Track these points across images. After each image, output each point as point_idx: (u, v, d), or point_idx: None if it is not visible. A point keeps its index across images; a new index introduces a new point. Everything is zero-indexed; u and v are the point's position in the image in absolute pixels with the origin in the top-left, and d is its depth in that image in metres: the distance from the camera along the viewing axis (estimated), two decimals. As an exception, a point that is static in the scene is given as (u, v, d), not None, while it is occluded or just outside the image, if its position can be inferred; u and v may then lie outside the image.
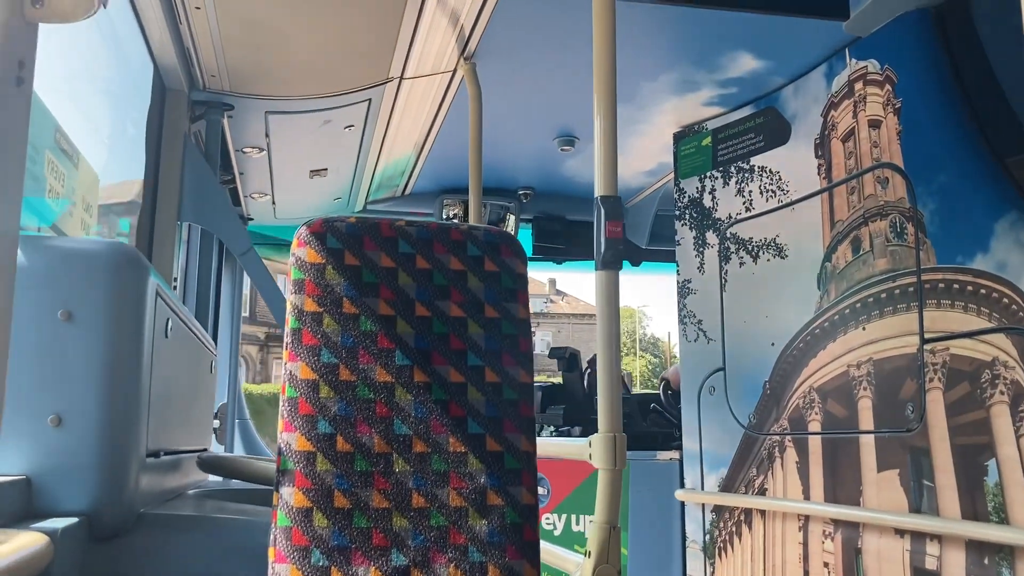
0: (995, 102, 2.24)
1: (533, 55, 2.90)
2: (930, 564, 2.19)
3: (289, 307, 1.30)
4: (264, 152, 3.73)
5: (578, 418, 4.08)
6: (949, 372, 2.19)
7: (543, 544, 1.40)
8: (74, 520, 1.36)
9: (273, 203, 4.48)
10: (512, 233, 4.22)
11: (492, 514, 1.28)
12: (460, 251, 1.40)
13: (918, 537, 2.24)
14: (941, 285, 2.24)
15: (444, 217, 4.38)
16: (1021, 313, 2.04)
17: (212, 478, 2.62)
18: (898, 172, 2.42)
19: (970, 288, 2.16)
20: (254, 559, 1.46)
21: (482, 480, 1.29)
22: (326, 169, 4.04)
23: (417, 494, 1.26)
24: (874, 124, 2.53)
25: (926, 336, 2.27)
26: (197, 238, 3.83)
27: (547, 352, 4.44)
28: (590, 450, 1.68)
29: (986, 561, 2.05)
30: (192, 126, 3.18)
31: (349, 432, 1.26)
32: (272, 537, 1.20)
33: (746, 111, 3.12)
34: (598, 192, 1.73)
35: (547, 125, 3.61)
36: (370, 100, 3.24)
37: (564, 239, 4.62)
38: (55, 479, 1.40)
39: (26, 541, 1.07)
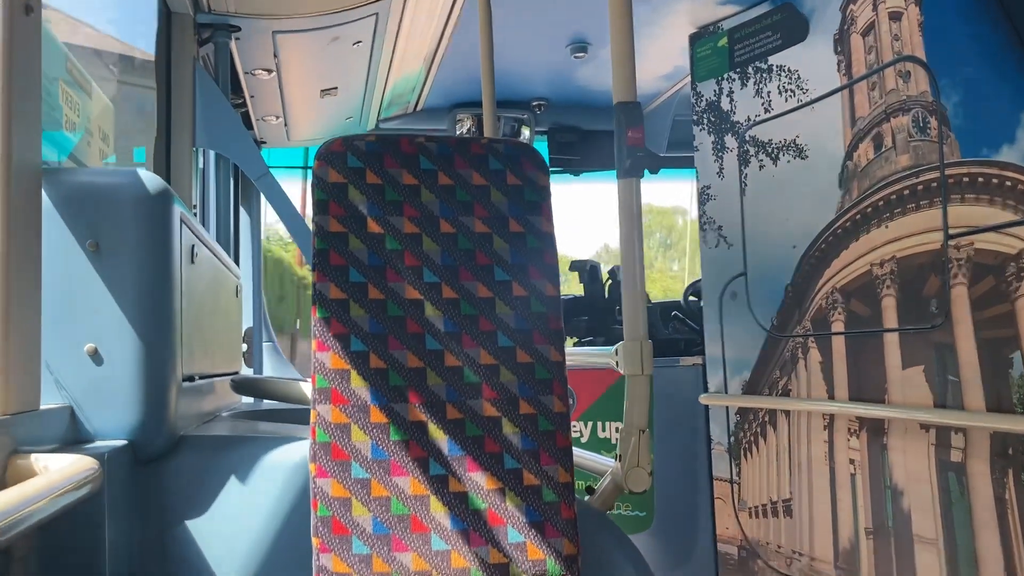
0: (1022, -13, 2.17)
1: (542, -41, 2.82)
2: (955, 457, 2.22)
3: (314, 228, 1.31)
4: (274, 74, 3.69)
5: (600, 328, 4.12)
6: (974, 267, 2.18)
7: (575, 450, 1.43)
8: (120, 443, 1.41)
9: (285, 125, 4.45)
10: (527, 145, 4.18)
11: (525, 423, 1.31)
12: (481, 165, 1.39)
13: (943, 431, 2.27)
14: (965, 179, 2.22)
15: (457, 132, 4.35)
16: (1048, 204, 2.01)
17: (244, 400, 2.68)
18: (920, 65, 2.37)
19: (995, 181, 2.13)
20: (293, 475, 1.51)
21: (514, 391, 1.32)
22: (336, 88, 4.00)
23: (451, 406, 1.29)
24: (895, 16, 2.46)
25: (950, 232, 2.25)
26: (212, 164, 3.83)
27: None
28: (617, 358, 1.70)
29: (1011, 452, 2.08)
30: (200, 50, 3.14)
31: (382, 349, 1.28)
32: (311, 453, 1.23)
33: (763, 8, 3.04)
34: (616, 98, 1.70)
35: (559, 32, 3.53)
36: (377, 14, 3.18)
37: (580, 150, 4.57)
38: (97, 406, 1.44)
39: (79, 464, 1.11)
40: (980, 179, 2.17)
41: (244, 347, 4.12)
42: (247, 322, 4.26)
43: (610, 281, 4.25)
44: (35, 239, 1.34)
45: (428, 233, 1.35)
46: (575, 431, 3.66)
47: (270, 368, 4.49)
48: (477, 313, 1.33)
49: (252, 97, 3.97)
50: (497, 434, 1.29)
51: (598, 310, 4.15)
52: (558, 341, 1.36)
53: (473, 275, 1.35)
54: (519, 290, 1.36)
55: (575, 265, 4.24)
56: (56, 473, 1.05)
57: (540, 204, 1.40)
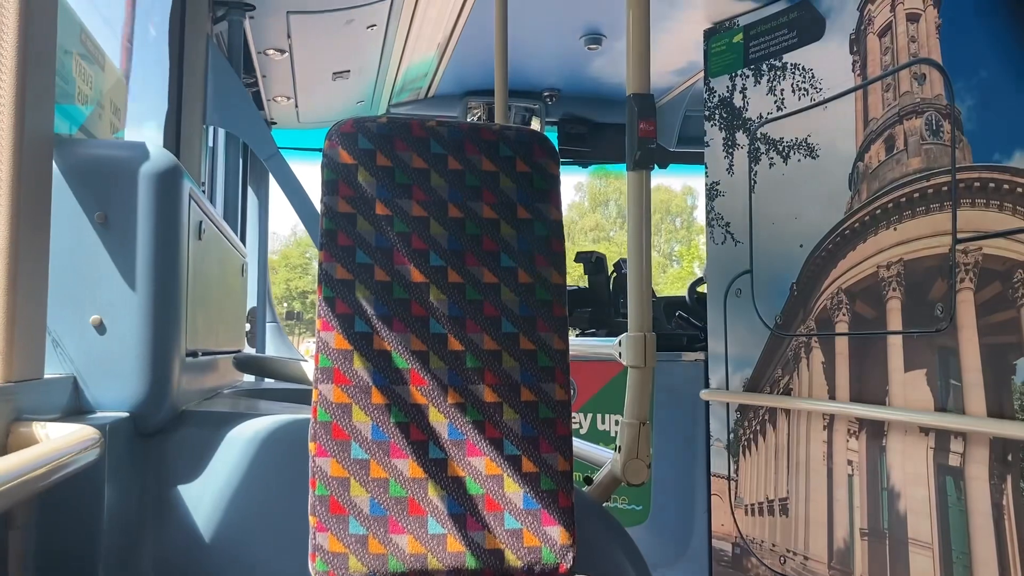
0: (1041, -7, 2.16)
1: (560, -51, 2.81)
2: (954, 461, 2.22)
3: (322, 208, 1.31)
4: (286, 54, 3.69)
5: (603, 321, 4.12)
6: (981, 272, 2.18)
7: (574, 441, 1.43)
8: (122, 415, 1.41)
9: (296, 107, 4.45)
10: (537, 135, 4.17)
11: (525, 410, 1.31)
12: (492, 152, 1.39)
13: (942, 435, 2.27)
14: (976, 184, 2.21)
15: (468, 120, 4.34)
16: (1058, 212, 2.01)
17: (246, 378, 2.68)
18: (936, 68, 2.36)
19: (1006, 187, 2.12)
20: (292, 454, 1.51)
21: (516, 377, 1.32)
22: (349, 71, 3.99)
23: (452, 390, 1.29)
24: (913, 18, 2.45)
25: (959, 236, 2.25)
26: (222, 143, 3.83)
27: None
28: (620, 349, 1.70)
29: (1009, 458, 2.08)
30: (214, 28, 3.14)
31: (386, 331, 1.28)
32: (312, 432, 1.23)
33: (779, 6, 3.03)
34: (630, 89, 1.70)
35: (573, 22, 3.52)
36: (393, -2, 3.18)
37: (591, 142, 4.57)
38: (100, 378, 1.44)
39: (80, 432, 1.11)
40: (991, 184, 2.17)
41: (247, 327, 4.13)
42: (251, 302, 4.27)
43: (615, 274, 4.25)
44: (44, 209, 1.34)
45: (436, 217, 1.35)
46: (575, 422, 3.66)
47: (273, 349, 4.49)
48: (482, 298, 1.33)
49: (264, 77, 3.97)
50: (497, 420, 1.29)
51: (601, 302, 4.15)
52: (562, 329, 1.36)
53: (479, 260, 1.34)
54: (524, 277, 1.35)
55: (580, 256, 4.24)
56: (57, 441, 1.05)
57: (549, 192, 1.40)
